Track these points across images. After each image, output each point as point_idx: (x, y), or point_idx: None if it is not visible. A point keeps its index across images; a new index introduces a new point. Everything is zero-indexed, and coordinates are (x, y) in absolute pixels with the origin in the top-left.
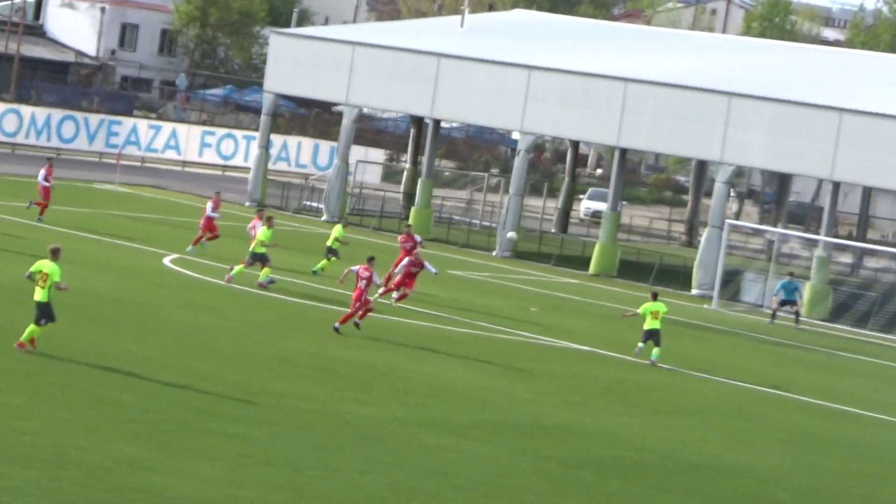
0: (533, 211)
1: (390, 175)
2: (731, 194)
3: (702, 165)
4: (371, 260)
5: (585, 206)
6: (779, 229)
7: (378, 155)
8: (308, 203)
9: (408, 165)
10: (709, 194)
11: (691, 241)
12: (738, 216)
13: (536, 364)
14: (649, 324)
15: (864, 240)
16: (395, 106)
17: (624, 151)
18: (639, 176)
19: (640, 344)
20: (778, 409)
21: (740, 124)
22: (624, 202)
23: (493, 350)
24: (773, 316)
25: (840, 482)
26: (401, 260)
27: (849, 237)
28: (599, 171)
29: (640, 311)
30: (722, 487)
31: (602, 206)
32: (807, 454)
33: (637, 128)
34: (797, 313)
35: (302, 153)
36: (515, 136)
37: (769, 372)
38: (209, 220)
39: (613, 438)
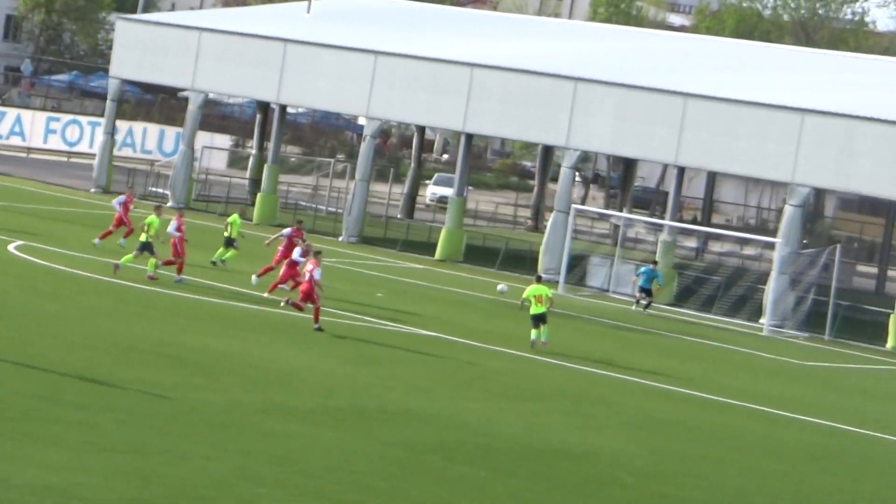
0: (379, 196)
1: (236, 161)
2: (577, 179)
3: (548, 150)
4: (318, 254)
5: (431, 191)
6: (624, 214)
7: (224, 141)
8: (154, 189)
9: (254, 151)
10: (555, 179)
11: (537, 226)
12: (583, 201)
13: (383, 349)
14: (535, 308)
15: (709, 224)
16: (242, 91)
17: (470, 137)
18: (485, 161)
19: (533, 335)
20: (623, 393)
21: (586, 109)
22: (470, 187)
23: (339, 335)
24: (637, 302)
25: (683, 465)
26: (286, 254)
27: (693, 222)
28: (445, 156)
29: (525, 296)
30: (567, 471)
31: (448, 192)
32: (651, 437)
33: (483, 113)
34: (649, 302)
35: (147, 139)
36: (362, 121)
37: (614, 356)
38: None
39: (460, 423)
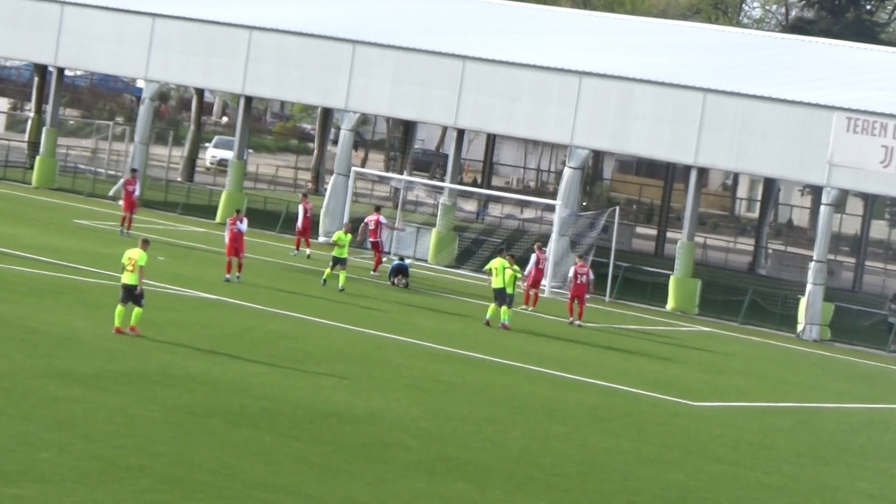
0: (159, 159)
1: (14, 124)
2: (356, 141)
3: (327, 113)
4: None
5: (211, 154)
6: (404, 176)
7: (1, 104)
8: None
9: (32, 114)
10: (334, 142)
11: (318, 189)
12: (363, 163)
13: (165, 313)
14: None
15: (489, 186)
16: (18, 54)
17: (249, 99)
18: (264, 124)
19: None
20: (406, 356)
21: (364, 72)
22: (250, 150)
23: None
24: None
25: (467, 427)
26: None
27: (473, 184)
28: (225, 119)
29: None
30: (351, 434)
31: (228, 155)
32: (434, 400)
33: (262, 76)
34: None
35: None
36: (140, 84)
37: (396, 319)
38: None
39: (243, 387)
